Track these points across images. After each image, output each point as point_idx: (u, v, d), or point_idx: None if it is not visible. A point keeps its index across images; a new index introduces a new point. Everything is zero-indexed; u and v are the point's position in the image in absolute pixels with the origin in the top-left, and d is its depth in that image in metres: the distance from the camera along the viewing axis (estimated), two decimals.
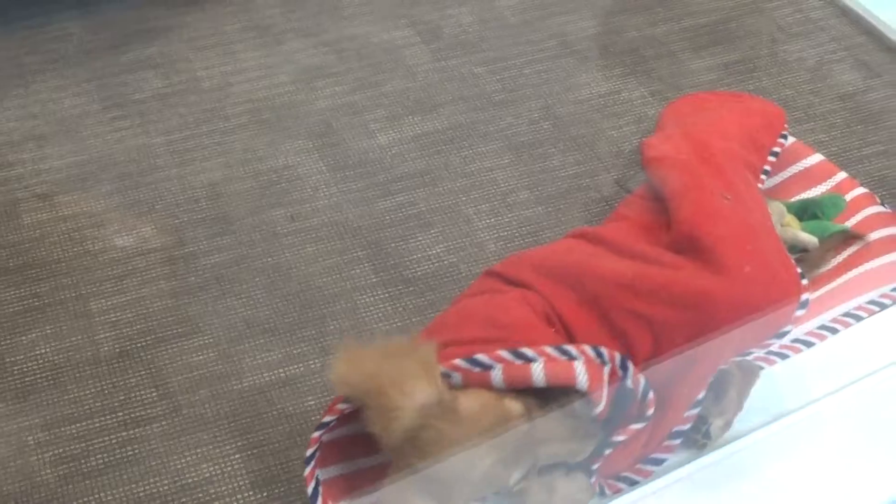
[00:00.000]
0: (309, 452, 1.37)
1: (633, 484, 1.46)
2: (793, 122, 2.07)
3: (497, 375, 1.27)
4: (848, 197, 1.86)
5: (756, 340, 1.43)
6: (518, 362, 1.28)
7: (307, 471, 1.37)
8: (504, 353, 1.28)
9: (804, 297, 1.43)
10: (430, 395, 1.20)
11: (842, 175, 1.91)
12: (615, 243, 1.53)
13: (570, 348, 1.29)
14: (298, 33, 2.28)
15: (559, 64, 2.21)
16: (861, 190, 1.88)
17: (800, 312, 1.43)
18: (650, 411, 1.35)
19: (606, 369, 1.31)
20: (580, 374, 1.27)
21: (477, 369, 1.28)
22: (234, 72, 2.18)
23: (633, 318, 1.38)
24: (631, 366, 1.33)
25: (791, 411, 1.58)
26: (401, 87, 2.15)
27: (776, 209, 1.75)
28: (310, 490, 1.37)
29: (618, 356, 1.32)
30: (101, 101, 2.11)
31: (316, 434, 1.36)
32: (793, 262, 1.50)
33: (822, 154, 1.96)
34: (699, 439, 1.51)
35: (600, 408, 1.30)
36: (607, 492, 1.46)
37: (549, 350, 1.28)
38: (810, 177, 1.92)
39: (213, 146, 2.02)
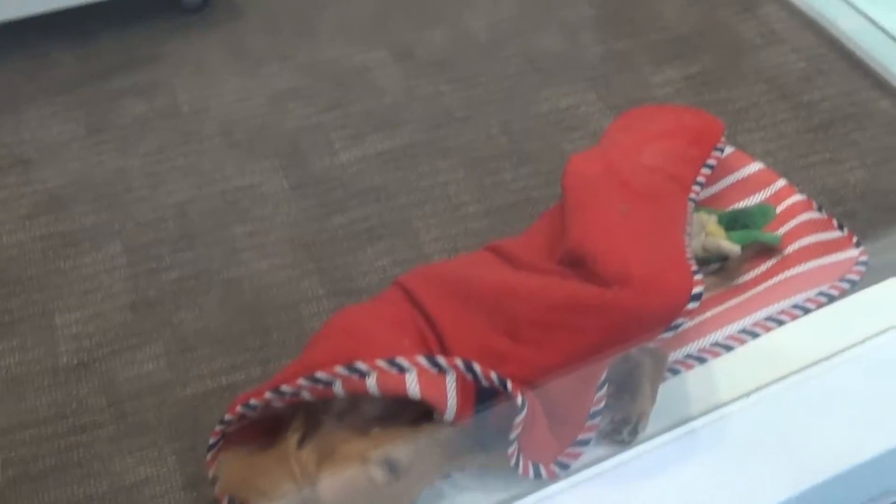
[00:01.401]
0: (211, 441, 1.50)
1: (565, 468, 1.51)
2: (744, 131, 2.12)
3: (338, 389, 1.37)
4: (785, 204, 1.91)
5: (644, 338, 1.50)
6: (354, 377, 1.37)
7: (209, 457, 1.51)
8: (340, 369, 1.38)
9: (696, 290, 1.49)
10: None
11: (781, 182, 1.97)
12: (515, 256, 1.62)
13: (403, 360, 1.38)
14: (277, 57, 2.38)
15: (523, 80, 2.29)
16: (798, 197, 1.94)
17: (692, 306, 1.49)
18: (518, 400, 1.41)
19: (450, 378, 1.39)
20: (411, 385, 1.36)
21: (320, 385, 1.37)
22: (213, 95, 2.29)
23: (513, 324, 1.46)
24: (477, 368, 1.40)
25: (700, 414, 1.63)
26: (368, 107, 2.24)
27: (698, 220, 1.81)
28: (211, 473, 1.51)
29: (460, 362, 1.40)
30: (86, 127, 2.24)
31: (218, 428, 1.48)
32: (687, 262, 1.56)
33: (769, 162, 2.02)
34: (624, 439, 1.56)
35: (450, 415, 1.38)
36: (543, 473, 1.50)
37: (381, 363, 1.37)
38: (748, 185, 1.98)
39: (186, 167, 2.14)
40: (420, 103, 2.25)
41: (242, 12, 2.51)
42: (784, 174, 2.01)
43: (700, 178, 1.87)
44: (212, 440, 1.53)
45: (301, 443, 1.41)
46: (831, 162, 2.06)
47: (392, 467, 1.36)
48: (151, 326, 1.85)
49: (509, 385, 1.40)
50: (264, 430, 1.49)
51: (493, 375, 1.40)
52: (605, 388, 1.48)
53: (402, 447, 1.39)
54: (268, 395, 1.44)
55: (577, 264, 1.57)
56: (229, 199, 2.07)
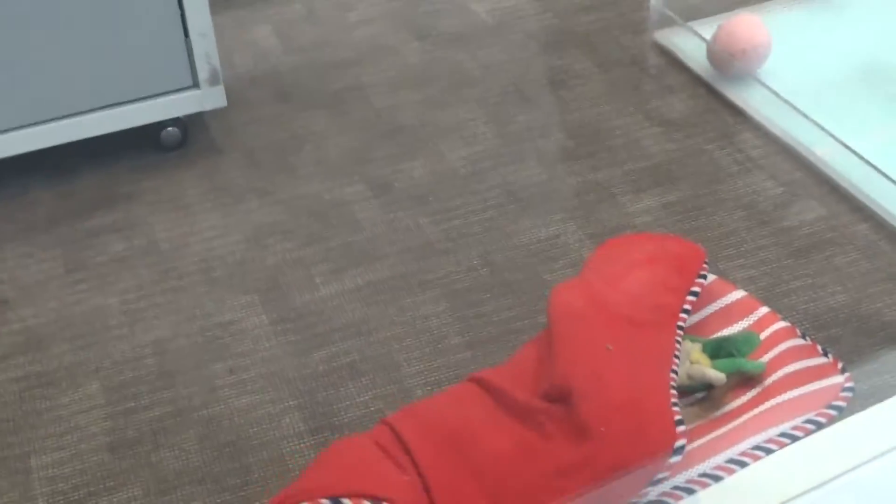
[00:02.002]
0: None
1: None
2: (724, 259, 2.12)
3: None
4: (769, 331, 1.91)
5: (625, 494, 1.48)
6: None
7: None
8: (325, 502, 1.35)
9: (678, 443, 1.48)
10: None
11: (764, 310, 1.96)
12: (502, 392, 1.61)
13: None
14: (256, 193, 2.38)
15: (502, 212, 2.29)
16: (782, 324, 1.93)
17: (674, 459, 1.48)
18: None
19: None
20: None
21: None
22: (192, 232, 2.29)
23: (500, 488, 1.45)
24: None
25: None
26: (348, 241, 2.24)
27: (684, 348, 1.80)
28: None
29: None
30: (64, 266, 2.22)
31: None
32: (671, 410, 1.56)
33: (751, 289, 2.02)
34: None
35: None
36: None
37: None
38: (731, 313, 1.97)
39: (165, 304, 2.12)
40: (399, 236, 2.25)
41: (221, 150, 2.52)
42: (766, 300, 2.01)
43: (686, 306, 1.87)
44: None
45: None
46: (812, 287, 2.06)
47: None
48: (129, 467, 1.82)
49: None
50: None
51: None
52: None
53: None
54: None
55: (562, 399, 1.56)
56: (209, 335, 2.06)
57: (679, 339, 1.81)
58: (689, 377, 1.80)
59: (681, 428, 1.52)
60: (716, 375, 1.79)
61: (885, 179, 2.21)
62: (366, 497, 1.39)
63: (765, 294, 2.03)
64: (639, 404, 1.57)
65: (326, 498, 1.40)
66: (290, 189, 2.40)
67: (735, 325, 1.97)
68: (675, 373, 1.73)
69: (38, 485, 1.80)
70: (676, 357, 1.75)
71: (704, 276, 1.95)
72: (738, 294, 2.00)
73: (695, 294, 1.90)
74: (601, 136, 2.50)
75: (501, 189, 2.37)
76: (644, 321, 1.77)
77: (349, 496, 1.40)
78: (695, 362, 1.81)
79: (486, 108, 2.61)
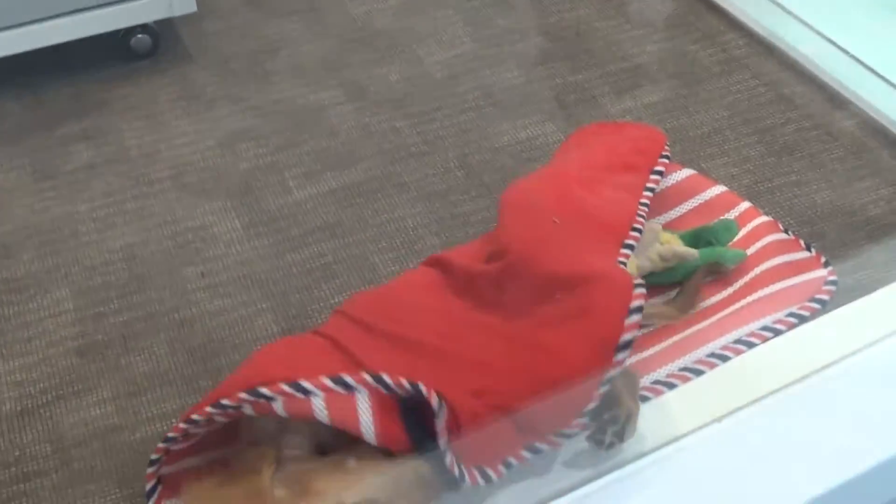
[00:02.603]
0: (153, 457, 1.48)
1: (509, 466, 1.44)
2: (707, 157, 2.08)
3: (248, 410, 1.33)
4: (750, 226, 1.87)
5: (591, 361, 1.43)
6: (261, 401, 1.32)
7: (149, 471, 1.48)
8: (243, 395, 1.34)
9: (634, 304, 1.43)
10: None
11: (745, 205, 1.92)
12: (451, 265, 1.63)
13: (307, 384, 1.32)
14: (228, 100, 2.33)
15: (481, 115, 2.24)
16: (763, 218, 1.89)
17: (633, 319, 1.43)
18: (434, 402, 1.34)
19: (361, 396, 1.32)
20: (319, 409, 1.30)
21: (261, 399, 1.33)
22: (163, 139, 2.24)
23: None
24: (387, 378, 1.34)
25: (669, 441, 1.56)
26: (322, 145, 2.19)
27: (650, 229, 1.76)
28: (148, 486, 1.48)
29: (368, 376, 1.34)
30: (33, 175, 2.17)
31: (161, 445, 1.46)
32: (618, 267, 1.55)
33: (734, 186, 1.98)
34: (606, 441, 1.46)
35: (370, 437, 1.31)
36: (492, 476, 1.43)
37: (285, 387, 1.33)
38: (711, 208, 1.93)
39: (135, 211, 2.07)
40: (375, 140, 2.20)
41: (192, 57, 2.46)
42: (750, 198, 1.97)
43: (650, 184, 1.83)
44: (153, 456, 1.48)
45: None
46: (797, 184, 2.02)
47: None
48: (99, 371, 1.78)
49: (423, 388, 1.33)
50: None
51: (405, 382, 1.34)
52: (586, 418, 1.42)
53: (380, 485, 1.32)
54: (209, 409, 1.37)
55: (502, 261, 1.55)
56: (180, 240, 2.01)
57: (642, 214, 1.77)
58: (662, 258, 1.76)
59: (638, 290, 1.47)
60: (687, 251, 1.75)
61: (871, 75, 2.16)
62: (285, 382, 1.35)
63: (748, 192, 1.99)
64: (582, 266, 1.53)
65: (244, 391, 1.36)
66: (263, 95, 2.35)
67: (716, 219, 1.92)
68: (631, 248, 1.68)
69: (5, 389, 1.76)
70: (637, 231, 1.70)
71: (668, 158, 1.92)
72: (718, 189, 1.96)
73: (658, 173, 1.88)
74: (581, 38, 2.45)
75: (480, 92, 2.31)
76: (603, 200, 1.73)
77: (266, 384, 1.36)
78: (665, 242, 1.76)
79: (463, 12, 2.55)
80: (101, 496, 1.60)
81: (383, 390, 1.34)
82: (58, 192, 2.14)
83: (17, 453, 1.66)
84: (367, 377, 1.34)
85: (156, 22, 2.42)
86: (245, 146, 2.22)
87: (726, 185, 1.99)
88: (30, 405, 1.73)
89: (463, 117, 2.24)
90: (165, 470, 1.51)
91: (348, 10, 2.59)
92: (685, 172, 1.96)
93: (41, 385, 1.77)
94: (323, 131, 2.23)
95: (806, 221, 1.94)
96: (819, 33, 2.27)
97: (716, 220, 1.87)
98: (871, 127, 2.13)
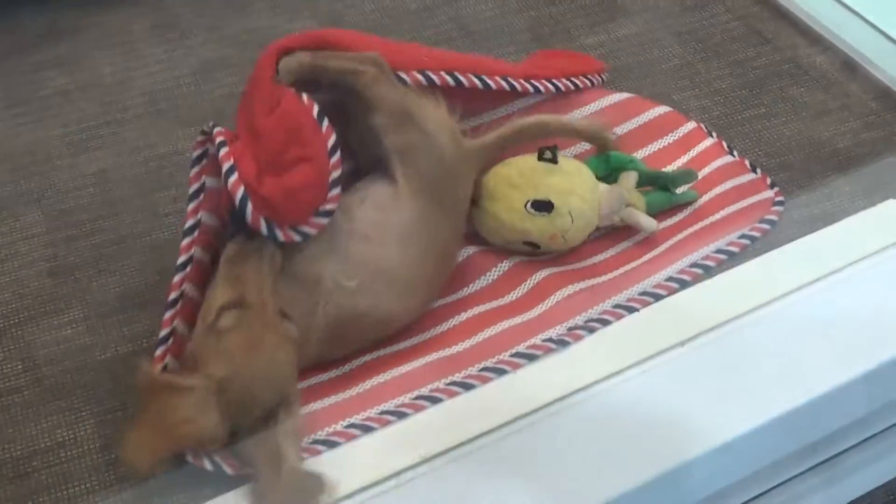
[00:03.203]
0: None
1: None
2: (678, 90, 2.10)
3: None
4: (696, 150, 1.88)
5: None
6: None
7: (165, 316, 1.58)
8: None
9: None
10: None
11: (690, 125, 1.93)
12: None
13: None
14: (203, 28, 2.33)
15: (455, 46, 2.25)
16: (710, 140, 1.91)
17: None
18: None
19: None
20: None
21: None
22: (137, 67, 2.24)
23: None
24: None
25: (638, 361, 1.59)
26: None
27: (619, 193, 1.76)
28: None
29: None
30: (5, 100, 2.17)
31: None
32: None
33: (704, 118, 2.00)
34: None
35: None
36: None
37: None
38: (658, 128, 1.93)
39: (108, 136, 2.08)
40: None
41: None
42: (720, 130, 1.98)
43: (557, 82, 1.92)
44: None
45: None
46: (766, 116, 2.04)
47: None
48: (70, 292, 1.80)
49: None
50: None
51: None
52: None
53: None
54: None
55: None
56: (153, 166, 2.02)
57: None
58: (622, 220, 1.77)
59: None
60: (648, 224, 1.76)
61: (843, 9, 2.18)
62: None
63: (719, 124, 2.01)
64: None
65: None
66: (237, 24, 2.35)
67: (661, 140, 1.94)
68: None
69: None
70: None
71: (592, 81, 1.97)
72: (662, 109, 1.96)
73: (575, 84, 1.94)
74: None
75: (454, 24, 2.32)
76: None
77: None
78: (629, 205, 1.77)
79: None
80: (72, 412, 1.62)
81: None
82: (31, 117, 2.14)
83: None
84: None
85: None
86: (219, 75, 2.22)
87: (697, 117, 2.00)
88: (1, 325, 1.74)
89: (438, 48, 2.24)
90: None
91: None
92: (624, 95, 1.96)
93: (12, 305, 1.78)
94: None
95: (774, 153, 1.96)
96: None
97: (677, 170, 1.87)
98: (842, 61, 2.16)
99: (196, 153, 1.58)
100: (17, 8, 2.39)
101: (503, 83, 1.80)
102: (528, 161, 1.74)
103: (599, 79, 2.01)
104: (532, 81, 1.86)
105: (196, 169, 1.57)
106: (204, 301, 1.48)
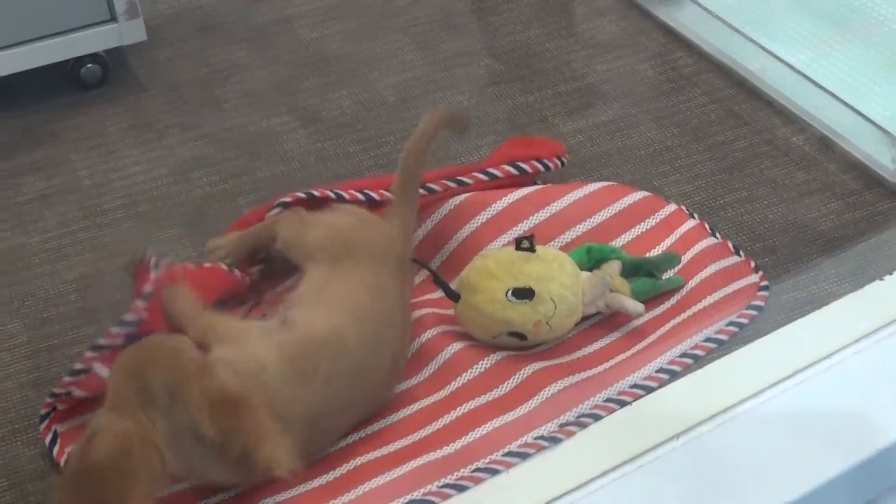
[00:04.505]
0: (43, 412, 1.66)
1: None
2: (659, 175, 2.10)
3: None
4: (679, 232, 1.88)
5: None
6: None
7: (42, 426, 1.66)
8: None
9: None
10: None
11: (671, 207, 1.93)
12: None
13: None
14: (179, 128, 2.33)
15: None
16: (692, 222, 1.90)
17: None
18: None
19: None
20: None
21: None
22: (115, 169, 2.23)
23: None
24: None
25: (628, 460, 1.57)
26: (276, 171, 2.19)
27: (602, 280, 1.75)
28: (48, 440, 1.64)
29: None
30: None
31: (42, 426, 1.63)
32: None
33: (686, 203, 2.00)
34: None
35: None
36: None
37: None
38: (636, 212, 1.93)
39: (88, 241, 2.07)
40: (329, 164, 2.21)
41: (143, 86, 2.46)
42: (702, 215, 1.99)
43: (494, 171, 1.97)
44: (43, 411, 1.69)
45: None
46: (749, 199, 2.04)
47: None
48: None
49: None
50: None
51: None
52: None
53: None
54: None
55: None
56: (133, 270, 1.99)
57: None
58: (608, 306, 1.76)
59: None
60: (635, 308, 1.75)
61: (818, 90, 2.19)
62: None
63: (701, 208, 2.01)
64: None
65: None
66: (215, 123, 2.35)
67: (640, 225, 1.94)
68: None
69: None
70: None
71: (547, 165, 2.02)
72: (641, 194, 1.97)
73: (520, 169, 1.99)
74: (531, 59, 2.46)
75: None
76: None
77: None
78: (614, 290, 1.76)
79: (413, 36, 2.57)
80: None
81: None
82: (9, 223, 2.13)
83: None
84: None
85: (105, 51, 2.41)
86: (198, 174, 2.21)
87: (679, 202, 2.00)
88: None
89: None
90: (60, 428, 1.66)
91: (298, 35, 2.59)
92: (602, 183, 1.96)
93: None
94: (276, 157, 2.23)
95: (758, 237, 1.96)
96: (766, 50, 2.31)
97: (661, 253, 1.86)
98: (820, 141, 2.16)
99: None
100: None
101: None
102: (504, 252, 1.74)
103: (558, 162, 2.04)
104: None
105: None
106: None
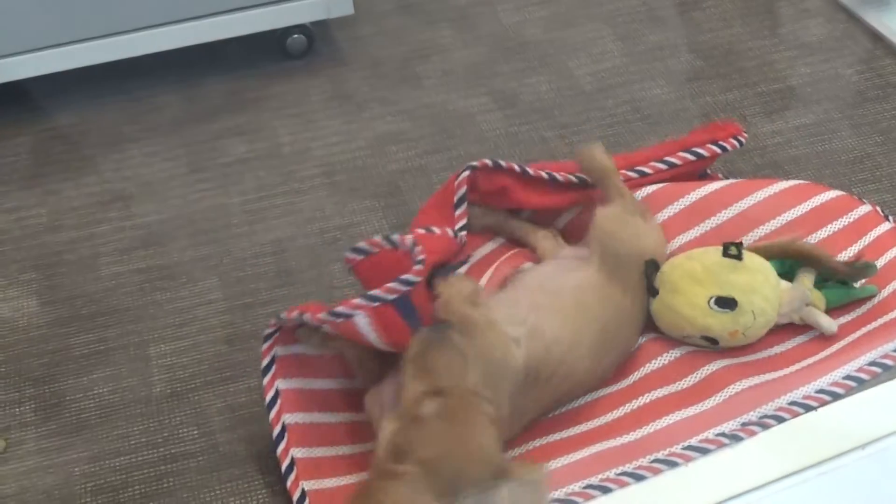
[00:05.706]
0: (264, 363, 1.65)
1: None
2: (858, 183, 2.09)
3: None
4: (872, 235, 1.83)
5: None
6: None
7: (265, 380, 1.64)
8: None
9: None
10: None
11: (865, 208, 1.90)
12: None
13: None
14: (379, 102, 2.37)
15: (629, 129, 2.25)
16: (887, 225, 1.88)
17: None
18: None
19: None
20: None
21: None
22: (314, 138, 2.28)
23: None
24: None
25: (811, 465, 1.55)
26: (470, 151, 2.22)
27: (801, 292, 1.73)
28: (268, 398, 1.63)
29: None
30: (188, 166, 2.23)
31: (265, 346, 1.62)
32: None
33: (884, 212, 1.94)
34: None
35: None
36: None
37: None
38: (828, 210, 1.90)
39: (286, 205, 2.12)
40: (522, 148, 2.22)
41: (345, 59, 2.51)
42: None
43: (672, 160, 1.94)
44: (268, 331, 1.65)
45: None
46: None
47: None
48: (246, 360, 1.83)
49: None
50: None
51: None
52: None
53: None
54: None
55: None
56: (327, 237, 2.05)
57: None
58: (802, 319, 1.74)
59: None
60: (828, 326, 1.72)
61: None
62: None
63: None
64: None
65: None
66: (413, 99, 2.38)
67: (833, 223, 1.89)
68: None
69: (156, 371, 1.81)
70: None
71: (725, 149, 1.96)
72: (835, 193, 1.93)
73: (697, 154, 1.95)
74: (733, 57, 2.44)
75: (629, 106, 2.32)
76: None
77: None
78: (812, 305, 1.74)
79: (615, 26, 2.56)
80: (244, 480, 1.64)
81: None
82: (212, 183, 2.20)
83: (165, 434, 1.72)
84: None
85: (312, 23, 2.46)
86: (394, 148, 2.25)
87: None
88: (179, 389, 1.79)
89: (611, 131, 2.25)
90: (279, 351, 1.65)
91: (500, 19, 2.61)
92: (792, 181, 1.92)
93: (190, 370, 1.82)
94: (471, 137, 2.26)
95: None
96: None
97: (859, 262, 1.82)
98: None
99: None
100: (200, 77, 2.47)
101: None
102: (711, 255, 1.72)
103: (735, 142, 1.99)
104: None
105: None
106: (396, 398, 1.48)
